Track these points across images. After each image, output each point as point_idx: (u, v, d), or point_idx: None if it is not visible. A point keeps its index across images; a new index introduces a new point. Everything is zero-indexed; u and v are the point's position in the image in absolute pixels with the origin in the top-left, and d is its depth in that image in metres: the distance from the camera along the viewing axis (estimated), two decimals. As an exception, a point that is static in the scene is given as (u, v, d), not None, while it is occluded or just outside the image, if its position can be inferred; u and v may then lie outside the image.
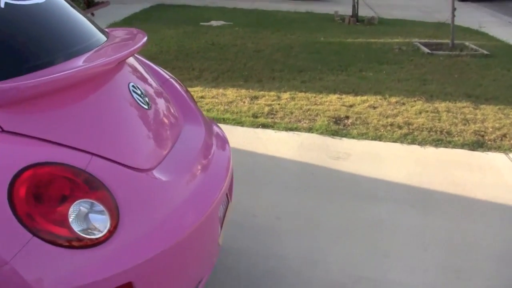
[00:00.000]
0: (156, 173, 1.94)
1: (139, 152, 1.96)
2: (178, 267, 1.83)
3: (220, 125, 4.84)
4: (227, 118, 5.03)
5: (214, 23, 10.25)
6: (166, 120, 2.29)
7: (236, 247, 2.97)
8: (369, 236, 3.17)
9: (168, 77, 2.72)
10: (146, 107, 2.17)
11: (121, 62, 2.18)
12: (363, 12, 11.31)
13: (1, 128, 1.64)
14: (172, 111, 2.42)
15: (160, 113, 2.28)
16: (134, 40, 2.28)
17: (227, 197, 2.43)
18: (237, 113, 5.18)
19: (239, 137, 4.56)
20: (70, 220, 1.60)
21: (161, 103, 2.38)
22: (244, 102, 5.51)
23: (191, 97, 2.76)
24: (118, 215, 1.69)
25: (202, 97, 5.70)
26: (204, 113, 5.12)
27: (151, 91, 2.37)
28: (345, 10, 11.49)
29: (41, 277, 1.52)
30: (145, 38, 2.26)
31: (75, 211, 1.62)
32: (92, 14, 10.75)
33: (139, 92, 2.20)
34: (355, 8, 10.84)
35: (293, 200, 3.55)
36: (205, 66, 6.97)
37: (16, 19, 1.95)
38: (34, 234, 1.53)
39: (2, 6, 1.91)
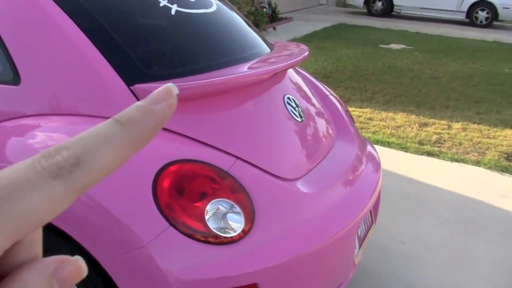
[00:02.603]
0: (298, 184, 2.02)
1: (284, 162, 2.05)
2: (305, 277, 1.87)
3: (383, 148, 4.90)
4: (392, 142, 5.00)
5: (394, 46, 10.17)
6: (317, 135, 2.36)
7: (378, 271, 2.96)
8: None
9: (327, 93, 2.80)
10: (299, 119, 2.26)
11: (280, 73, 2.30)
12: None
13: None
14: (325, 126, 2.48)
15: (312, 127, 2.35)
16: (296, 53, 2.38)
17: (371, 217, 2.44)
18: (403, 138, 5.12)
19: (401, 163, 4.51)
20: (207, 216, 1.71)
21: (315, 117, 2.45)
22: (412, 128, 5.43)
23: (349, 115, 2.81)
24: (253, 219, 1.78)
25: (370, 118, 5.72)
26: (369, 135, 5.19)
27: (307, 105, 2.45)
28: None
29: (172, 264, 1.64)
30: (307, 53, 2.35)
31: (213, 209, 1.72)
32: (274, 29, 11.22)
33: (293, 104, 2.29)
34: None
35: (447, 233, 3.44)
36: (378, 89, 6.97)
37: (184, 25, 2.17)
38: (171, 224, 1.66)
39: (173, 13, 2.14)
